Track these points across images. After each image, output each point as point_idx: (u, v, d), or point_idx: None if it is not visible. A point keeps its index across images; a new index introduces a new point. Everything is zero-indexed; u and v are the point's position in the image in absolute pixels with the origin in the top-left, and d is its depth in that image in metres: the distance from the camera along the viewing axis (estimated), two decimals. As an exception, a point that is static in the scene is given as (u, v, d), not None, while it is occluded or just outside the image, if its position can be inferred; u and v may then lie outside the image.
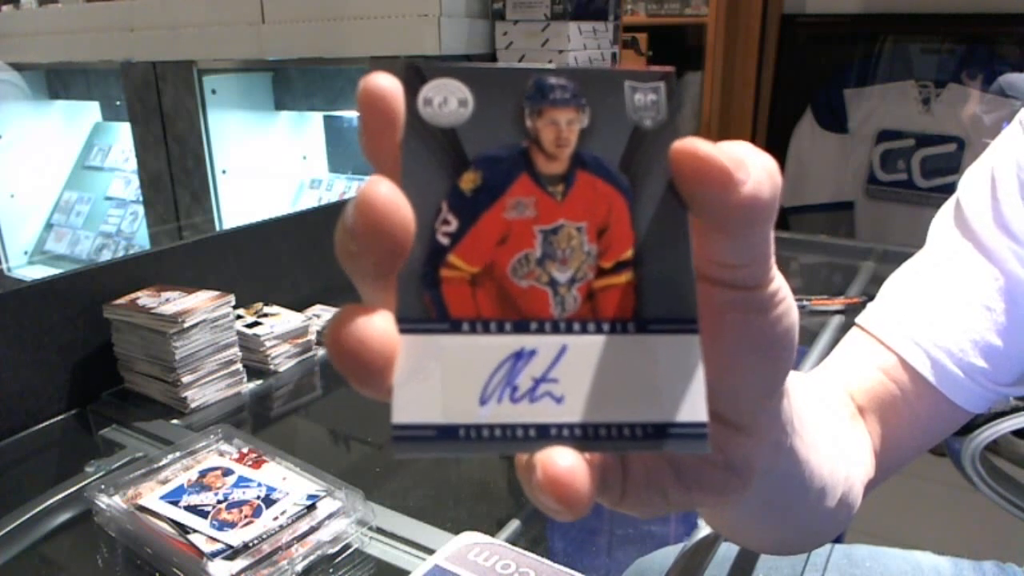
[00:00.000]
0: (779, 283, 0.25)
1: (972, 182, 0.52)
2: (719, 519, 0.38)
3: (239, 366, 0.95)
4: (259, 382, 0.98)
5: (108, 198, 2.58)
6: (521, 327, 0.21)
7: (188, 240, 1.06)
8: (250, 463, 0.72)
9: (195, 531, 0.63)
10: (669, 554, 0.70)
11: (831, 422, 0.42)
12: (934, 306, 0.49)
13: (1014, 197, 0.48)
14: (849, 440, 0.46)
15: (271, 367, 1.00)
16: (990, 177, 0.50)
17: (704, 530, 0.61)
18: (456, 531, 0.62)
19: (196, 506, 0.66)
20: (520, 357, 0.21)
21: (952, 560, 0.76)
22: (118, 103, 2.42)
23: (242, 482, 0.69)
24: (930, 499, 1.88)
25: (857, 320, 0.53)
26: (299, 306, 1.13)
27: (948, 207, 0.53)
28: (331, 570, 0.63)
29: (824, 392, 0.48)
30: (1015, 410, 0.96)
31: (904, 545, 0.80)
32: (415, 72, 0.22)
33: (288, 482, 0.69)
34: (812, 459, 0.33)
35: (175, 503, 0.66)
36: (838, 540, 0.76)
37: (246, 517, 0.64)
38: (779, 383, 0.27)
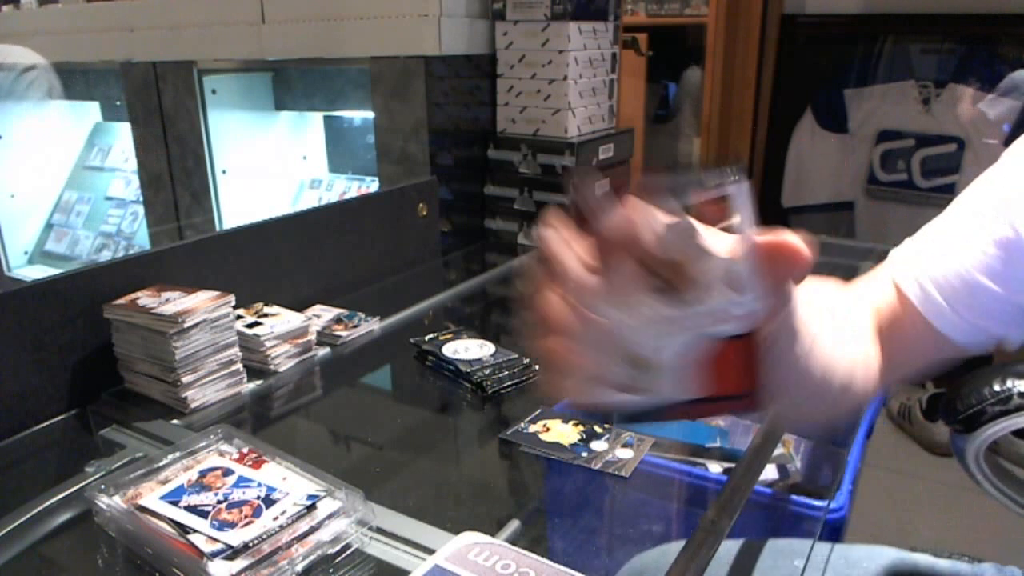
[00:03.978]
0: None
1: (1018, 148, 0.57)
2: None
3: (239, 366, 0.95)
4: (259, 382, 0.98)
5: (108, 198, 2.58)
6: None
7: (188, 240, 1.06)
8: (250, 463, 0.72)
9: (195, 531, 0.63)
10: (667, 551, 0.70)
11: (838, 327, 0.50)
12: (936, 244, 0.58)
13: None
14: (857, 343, 0.53)
15: (271, 367, 1.00)
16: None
17: (701, 535, 0.61)
18: (456, 531, 0.62)
19: (196, 506, 0.66)
20: None
21: (950, 562, 0.76)
22: (118, 103, 2.42)
23: (242, 482, 0.69)
24: (931, 499, 1.88)
25: (896, 249, 0.61)
26: (299, 306, 1.13)
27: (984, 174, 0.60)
28: (331, 570, 0.63)
29: (848, 303, 0.57)
30: (1019, 408, 0.96)
31: (905, 545, 0.80)
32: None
33: (288, 482, 0.69)
34: (801, 365, 0.41)
35: (175, 503, 0.66)
36: (837, 540, 0.76)
37: (246, 517, 0.64)
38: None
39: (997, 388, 0.98)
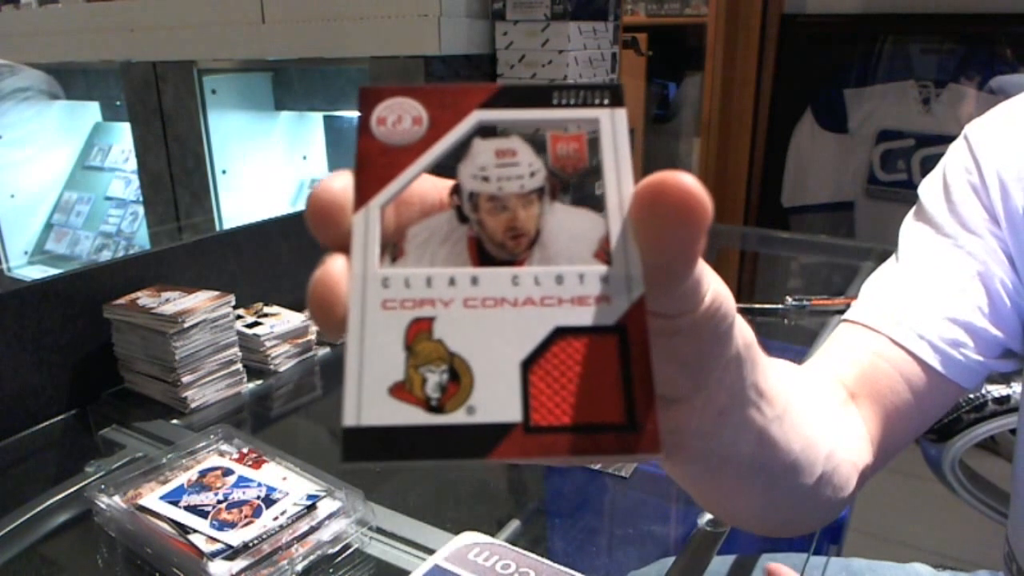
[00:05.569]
0: (711, 296, 0.24)
1: (930, 189, 0.58)
2: (693, 486, 0.38)
3: (239, 366, 0.95)
4: (259, 382, 0.98)
5: (108, 198, 2.58)
6: None
7: (188, 240, 1.06)
8: (250, 463, 0.72)
9: (195, 531, 0.63)
10: (662, 568, 0.70)
11: (810, 403, 0.42)
12: (920, 296, 0.54)
13: (966, 198, 0.55)
14: (836, 423, 0.47)
15: (271, 367, 1.00)
16: (943, 184, 0.57)
17: (702, 534, 0.61)
18: (456, 531, 0.62)
19: (196, 506, 0.66)
20: None
21: (950, 573, 0.76)
22: (118, 103, 2.42)
23: (242, 482, 0.69)
24: (930, 499, 1.88)
25: (845, 317, 0.56)
26: (299, 306, 1.13)
27: (911, 214, 0.60)
28: (331, 570, 0.63)
29: (810, 378, 0.50)
30: (994, 414, 0.96)
31: (903, 545, 0.80)
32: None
33: (288, 482, 0.69)
34: (774, 431, 0.33)
35: (175, 503, 0.66)
36: (837, 543, 0.76)
37: (246, 517, 0.64)
38: (710, 371, 0.27)
39: (971, 395, 0.97)
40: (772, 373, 0.32)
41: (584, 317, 0.21)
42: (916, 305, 0.53)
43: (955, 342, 0.52)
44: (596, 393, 0.21)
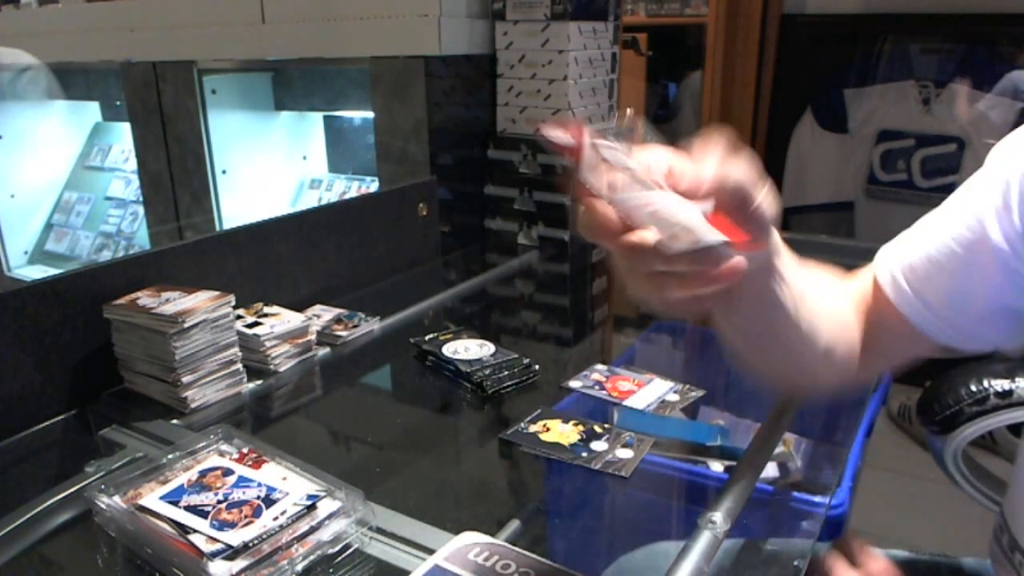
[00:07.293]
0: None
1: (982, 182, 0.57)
2: (738, 341, 0.55)
3: (239, 366, 0.95)
4: (259, 382, 0.98)
5: (108, 198, 2.58)
6: None
7: (188, 240, 1.06)
8: (250, 463, 0.72)
9: (195, 531, 0.63)
10: (655, 552, 0.70)
11: (821, 293, 0.58)
12: (914, 239, 0.60)
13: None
14: (841, 315, 0.61)
15: (271, 367, 1.00)
16: (1005, 183, 0.54)
17: (702, 534, 0.61)
18: (456, 531, 0.62)
19: (196, 506, 0.66)
20: None
21: (929, 555, 0.77)
22: (118, 103, 2.42)
23: (242, 482, 0.69)
24: (931, 499, 1.88)
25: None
26: (299, 306, 1.13)
27: (971, 179, 0.59)
28: (331, 570, 0.63)
29: (833, 284, 0.64)
30: (996, 408, 0.96)
31: (903, 545, 0.80)
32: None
33: (288, 482, 0.69)
34: (791, 296, 0.51)
35: (175, 503, 0.66)
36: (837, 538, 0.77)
37: (246, 517, 0.64)
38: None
39: (974, 388, 0.97)
40: (792, 266, 0.52)
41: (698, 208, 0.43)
42: (906, 248, 0.60)
43: (922, 288, 0.57)
44: (732, 231, 0.43)
